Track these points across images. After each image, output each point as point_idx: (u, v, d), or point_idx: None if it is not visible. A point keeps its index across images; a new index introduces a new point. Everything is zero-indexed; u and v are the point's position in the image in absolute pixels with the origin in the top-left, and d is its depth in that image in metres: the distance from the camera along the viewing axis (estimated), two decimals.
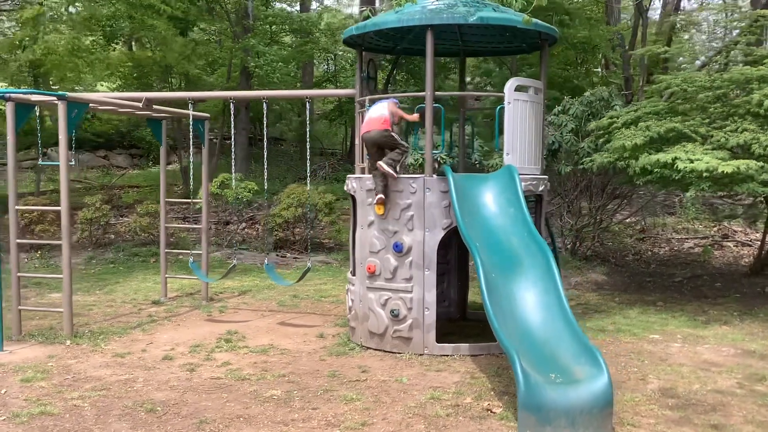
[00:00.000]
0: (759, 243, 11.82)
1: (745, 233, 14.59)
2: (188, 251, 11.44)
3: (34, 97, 7.96)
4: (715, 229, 14.84)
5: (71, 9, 17.54)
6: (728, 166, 8.17)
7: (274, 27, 25.61)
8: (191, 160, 9.90)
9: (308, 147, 8.88)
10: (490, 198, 7.14)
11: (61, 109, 7.65)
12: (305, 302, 10.53)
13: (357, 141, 8.29)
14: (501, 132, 7.60)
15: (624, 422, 5.45)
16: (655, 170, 9.02)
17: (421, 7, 7.57)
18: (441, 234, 7.35)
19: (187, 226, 12.37)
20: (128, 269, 13.30)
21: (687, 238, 14.83)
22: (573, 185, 12.71)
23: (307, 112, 8.69)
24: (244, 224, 16.71)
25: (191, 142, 9.37)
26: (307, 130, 8.70)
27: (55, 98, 7.73)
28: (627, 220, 15.14)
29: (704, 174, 8.43)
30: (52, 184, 22.20)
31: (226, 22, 24.06)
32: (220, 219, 16.18)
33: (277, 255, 14.37)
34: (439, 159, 8.53)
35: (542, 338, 5.89)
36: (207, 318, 9.37)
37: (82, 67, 15.70)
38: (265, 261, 9.29)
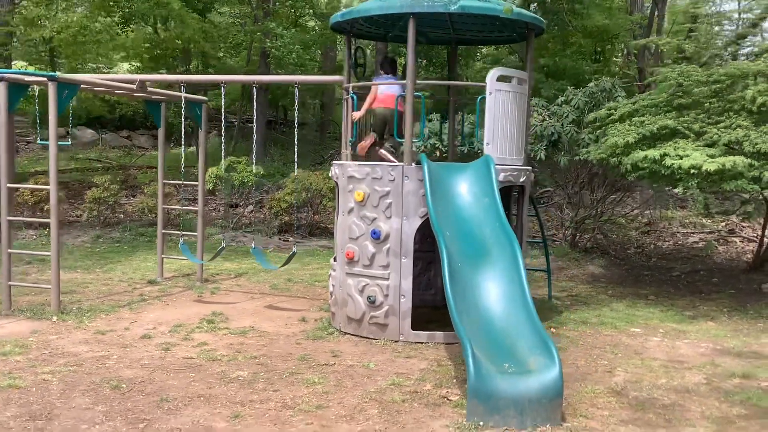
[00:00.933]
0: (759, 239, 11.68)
1: (753, 229, 14.40)
2: (190, 233, 11.63)
3: (27, 78, 8.13)
4: (723, 224, 14.66)
5: None
6: (713, 164, 8.09)
7: (294, 11, 25.71)
8: (182, 144, 10.01)
9: (296, 134, 8.95)
10: (464, 187, 7.17)
11: (51, 89, 7.82)
12: (298, 286, 10.66)
13: (345, 125, 8.35)
14: (483, 122, 7.61)
15: (577, 413, 5.48)
16: (645, 166, 8.96)
17: None
18: (418, 222, 7.40)
19: (186, 208, 12.53)
20: (132, 249, 13.54)
21: (693, 233, 14.69)
22: (573, 177, 12.64)
23: (296, 98, 8.73)
24: (251, 207, 16.88)
25: (183, 125, 9.47)
26: (296, 115, 8.78)
27: (45, 79, 7.89)
28: (633, 212, 15.03)
29: (691, 171, 8.36)
30: (75, 162, 22.65)
31: (248, 5, 24.24)
32: (229, 202, 16.36)
33: (280, 239, 14.52)
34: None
35: (503, 329, 5.94)
36: (197, 299, 9.54)
37: (92, 48, 15.88)
38: (252, 244, 9.42)
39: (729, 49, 10.15)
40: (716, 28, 14.97)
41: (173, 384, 5.96)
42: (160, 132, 10.68)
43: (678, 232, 14.67)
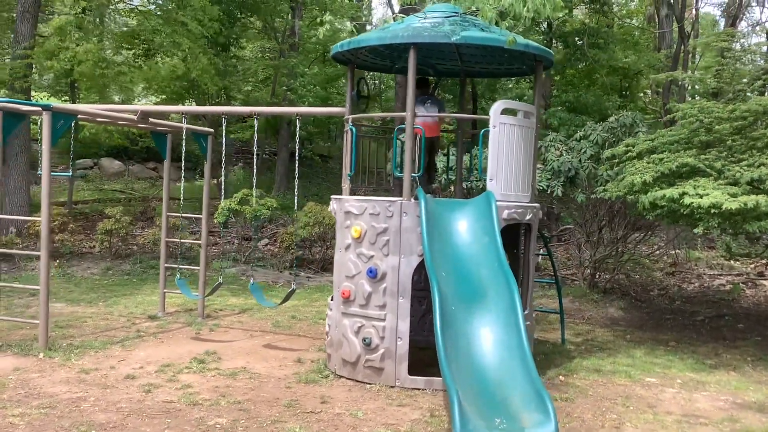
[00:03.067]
0: None
1: None
2: (193, 267, 11.37)
3: (23, 107, 7.98)
4: (752, 266, 14.02)
5: (111, 23, 18.00)
6: (734, 203, 7.62)
7: (318, 47, 25.82)
8: (182, 177, 9.80)
9: (297, 165, 8.67)
10: (464, 225, 6.80)
11: (45, 119, 7.65)
12: (302, 324, 10.30)
13: (345, 158, 8.05)
14: (486, 157, 7.26)
15: None
16: (663, 204, 8.51)
17: (406, 25, 7.32)
18: (417, 260, 7.03)
19: (188, 241, 12.29)
20: (141, 282, 13.32)
21: (720, 275, 14.06)
22: (592, 214, 12.17)
23: (297, 130, 8.47)
24: (266, 240, 16.63)
25: (183, 157, 9.25)
26: (297, 147, 8.51)
27: (40, 108, 7.73)
28: (657, 252, 14.47)
29: (712, 210, 7.89)
30: (100, 193, 22.73)
31: (274, 39, 24.36)
32: (241, 234, 16.12)
33: (291, 273, 14.19)
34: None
35: (496, 380, 5.51)
36: (194, 336, 9.23)
37: (113, 80, 15.92)
38: (251, 281, 9.09)
39: (756, 84, 9.69)
40: (745, 63, 14.52)
41: (145, 431, 5.61)
42: (166, 164, 10.50)
43: (704, 274, 14.06)
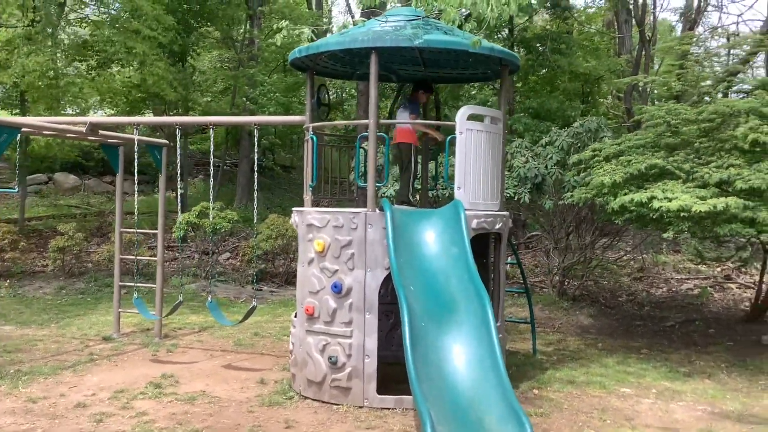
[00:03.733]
0: (765, 286, 11.00)
1: (750, 275, 13.72)
2: (151, 285, 10.91)
3: None
4: (718, 269, 13.99)
5: (62, 34, 17.41)
6: (704, 206, 7.46)
7: (278, 56, 25.45)
8: (135, 191, 9.38)
9: (256, 173, 8.31)
10: (431, 236, 6.51)
11: None
12: (265, 341, 9.91)
13: (306, 169, 7.72)
14: (452, 164, 6.99)
15: None
16: (632, 209, 8.34)
17: (367, 29, 7.03)
18: (384, 274, 6.72)
19: (144, 258, 11.81)
20: (96, 301, 12.80)
21: (687, 279, 14.00)
22: (560, 221, 12.00)
23: (256, 139, 8.12)
24: (228, 254, 16.17)
25: (136, 170, 8.83)
26: (255, 157, 8.16)
27: None
28: (625, 257, 14.36)
29: (681, 214, 7.74)
30: (55, 209, 22.00)
31: (232, 49, 23.94)
32: (201, 249, 15.62)
33: (253, 288, 13.76)
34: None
35: (470, 398, 5.23)
36: (151, 358, 8.79)
37: (64, 92, 15.36)
38: (209, 299, 8.69)
39: (720, 86, 9.62)
40: (705, 66, 14.52)
41: None
42: (118, 177, 10.04)
43: (672, 278, 13.98)
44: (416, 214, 6.84)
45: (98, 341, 9.63)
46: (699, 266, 14.42)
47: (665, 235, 8.17)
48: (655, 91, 17.24)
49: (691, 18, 22.49)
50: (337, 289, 6.83)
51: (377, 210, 6.78)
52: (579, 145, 11.14)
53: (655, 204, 7.94)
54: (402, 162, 7.99)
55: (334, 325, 6.88)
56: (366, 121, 6.94)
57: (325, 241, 6.94)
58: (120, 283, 10.16)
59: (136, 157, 8.75)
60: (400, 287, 5.78)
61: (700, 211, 7.48)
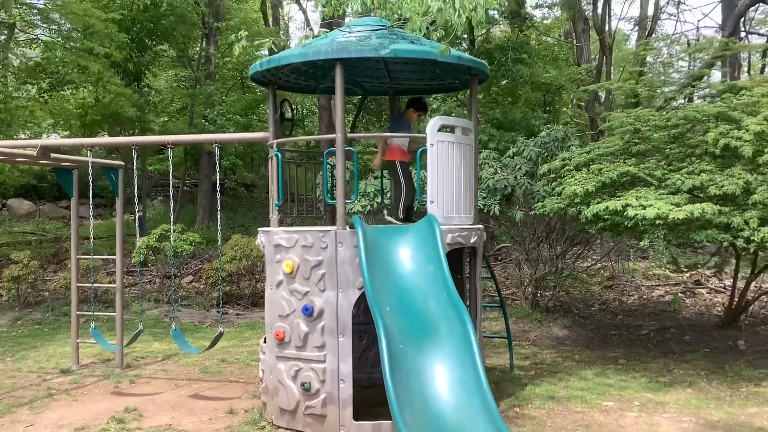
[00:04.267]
0: (730, 291, 10.96)
1: (719, 279, 13.73)
2: (110, 313, 10.45)
3: None
4: (687, 275, 13.96)
5: (11, 56, 16.90)
6: (680, 212, 7.33)
7: (236, 73, 25.11)
8: (90, 215, 8.97)
9: (218, 193, 7.98)
10: (406, 253, 6.24)
11: None
12: (232, 367, 9.51)
13: (271, 186, 7.40)
14: (423, 178, 6.75)
15: None
16: (606, 217, 8.19)
17: (330, 40, 6.77)
18: (356, 295, 6.43)
19: (102, 285, 11.34)
20: (53, 331, 12.24)
21: (657, 285, 13.95)
22: (531, 232, 11.84)
23: (217, 158, 7.80)
24: (191, 277, 15.71)
25: (91, 193, 8.41)
26: (217, 176, 7.83)
27: None
28: (595, 266, 14.27)
29: (657, 221, 7.60)
30: (8, 236, 21.27)
31: (188, 68, 23.53)
32: (162, 273, 15.13)
33: (218, 311, 13.36)
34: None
35: (456, 423, 4.95)
36: (113, 390, 8.34)
37: (14, 116, 14.83)
38: (173, 326, 8.29)
39: (686, 90, 9.59)
40: (667, 72, 14.62)
41: None
42: (73, 202, 9.61)
43: (642, 285, 13.91)
44: (389, 230, 6.57)
45: (56, 374, 9.14)
46: (668, 272, 14.38)
47: (642, 244, 8.03)
48: (617, 99, 17.27)
49: (646, 26, 22.76)
50: (308, 312, 6.52)
51: (347, 228, 6.50)
52: (546, 154, 11.01)
53: (630, 212, 7.79)
54: (392, 179, 7.82)
55: (306, 350, 6.57)
56: (333, 135, 6.67)
57: (294, 261, 6.63)
58: (78, 312, 9.69)
59: (90, 180, 8.34)
60: (376, 309, 5.49)
61: (677, 218, 7.33)
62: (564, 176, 9.26)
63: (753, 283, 10.71)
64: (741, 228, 7.68)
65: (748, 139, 7.98)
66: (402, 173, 7.63)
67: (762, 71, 22.55)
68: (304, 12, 22.79)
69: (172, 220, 8.71)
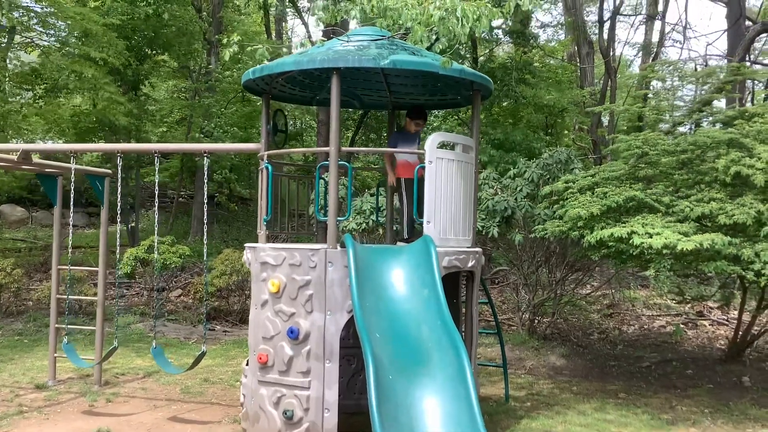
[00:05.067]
0: (735, 324, 10.59)
1: (722, 311, 13.35)
2: (90, 327, 10.05)
3: None
4: (689, 306, 13.58)
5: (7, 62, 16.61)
6: (689, 243, 6.98)
7: (236, 86, 24.87)
8: (70, 223, 8.61)
9: (205, 206, 7.62)
10: (400, 276, 5.88)
11: None
12: (215, 388, 9.10)
13: (260, 200, 7.05)
14: (420, 196, 6.40)
15: None
16: (611, 244, 7.84)
17: (327, 48, 6.45)
18: (345, 318, 6.06)
19: (81, 297, 10.95)
20: (33, 343, 11.82)
21: (659, 316, 13.56)
22: (530, 256, 11.47)
23: (206, 169, 7.46)
24: (179, 291, 15.31)
25: (72, 201, 8.04)
26: (205, 188, 7.49)
27: None
28: (594, 294, 13.88)
29: (663, 251, 7.24)
30: None
31: (188, 79, 23.27)
32: (150, 285, 14.74)
33: (205, 326, 12.93)
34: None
35: None
36: (87, 409, 7.93)
37: (9, 122, 14.51)
38: (153, 344, 7.90)
39: (695, 116, 9.30)
40: (674, 96, 14.36)
41: None
42: (56, 210, 9.26)
43: (643, 315, 13.53)
44: (383, 251, 6.21)
45: (31, 389, 8.73)
46: (669, 302, 14.01)
47: (648, 273, 7.66)
48: (621, 123, 16.99)
49: (651, 52, 22.58)
50: (293, 335, 6.14)
51: (338, 246, 6.14)
52: (548, 176, 10.68)
53: (636, 240, 7.44)
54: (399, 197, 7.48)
55: (290, 375, 6.19)
56: (327, 148, 6.32)
57: (281, 280, 6.27)
58: (56, 325, 9.29)
59: (72, 187, 7.97)
60: (365, 335, 5.11)
61: (686, 249, 6.98)
62: (567, 198, 8.91)
63: (758, 318, 10.32)
64: (751, 260, 7.34)
65: (761, 167, 7.66)
66: (406, 190, 7.27)
67: (765, 99, 22.37)
68: (306, 26, 22.48)
69: (156, 230, 8.34)
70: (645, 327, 13.02)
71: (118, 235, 8.40)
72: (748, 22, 16.31)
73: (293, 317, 6.19)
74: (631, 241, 7.55)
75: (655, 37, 23.77)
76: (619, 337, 12.42)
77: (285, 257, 6.26)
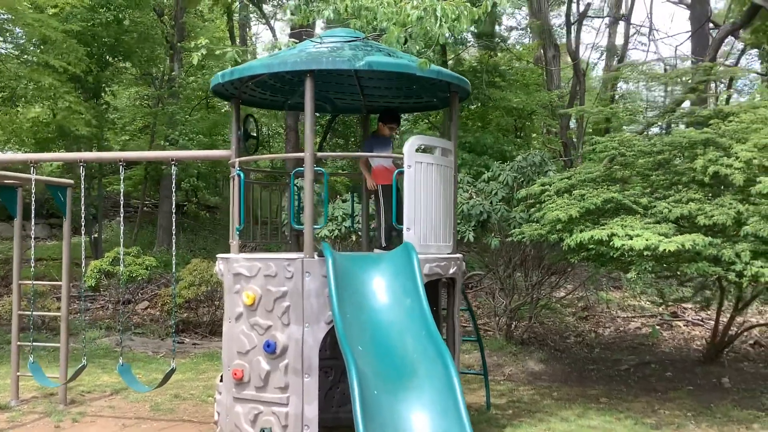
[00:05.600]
0: (712, 324, 10.55)
1: (695, 311, 13.35)
2: (54, 344, 9.66)
3: None
4: (662, 306, 13.56)
5: None
6: (671, 244, 6.87)
7: (199, 93, 24.49)
8: (32, 235, 8.24)
9: (173, 216, 7.33)
10: (381, 285, 5.66)
11: None
12: (186, 405, 8.76)
13: (232, 209, 6.78)
14: (399, 202, 6.19)
15: None
16: (591, 247, 7.71)
17: (299, 50, 6.21)
18: (324, 330, 5.82)
19: (45, 313, 10.54)
20: None
21: (633, 317, 13.52)
22: (505, 260, 11.33)
23: (173, 177, 7.16)
24: (146, 303, 14.90)
25: (33, 212, 7.69)
26: (173, 196, 7.20)
27: None
28: (569, 296, 13.80)
29: (645, 253, 7.13)
30: None
31: (151, 86, 22.83)
32: (116, 298, 14.31)
33: (174, 341, 12.57)
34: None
35: None
36: (53, 430, 7.56)
37: None
38: (120, 361, 7.56)
39: (669, 116, 9.24)
40: (646, 96, 14.40)
41: None
42: (16, 222, 8.86)
43: (618, 317, 13.48)
44: (362, 259, 5.98)
45: None
46: (644, 303, 13.99)
47: (629, 276, 7.55)
48: (588, 126, 16.99)
49: (616, 54, 22.69)
50: (270, 349, 5.88)
51: (316, 256, 5.90)
52: (523, 179, 10.56)
53: (617, 242, 7.32)
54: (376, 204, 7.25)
55: (267, 391, 5.92)
56: (302, 153, 6.09)
57: (256, 292, 6.01)
58: (19, 343, 8.89)
59: (33, 198, 7.62)
60: (348, 349, 4.88)
61: (668, 250, 6.87)
62: (544, 201, 8.78)
63: (735, 318, 10.29)
64: (732, 261, 7.26)
65: (739, 167, 7.60)
66: (384, 197, 7.06)
67: (727, 102, 22.69)
68: (272, 30, 22.14)
69: (121, 242, 8.01)
70: (621, 329, 12.97)
71: (83, 247, 8.01)
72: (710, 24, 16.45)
73: (270, 330, 5.93)
74: (611, 243, 7.43)
75: (619, 41, 23.92)
76: (595, 340, 12.34)
77: (260, 268, 6.00)
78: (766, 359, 10.68)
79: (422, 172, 6.17)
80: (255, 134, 7.25)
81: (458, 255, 6.77)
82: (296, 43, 6.77)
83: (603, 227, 7.71)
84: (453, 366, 4.87)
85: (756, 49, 18.00)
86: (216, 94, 6.98)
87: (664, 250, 6.96)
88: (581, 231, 7.88)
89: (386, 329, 5.32)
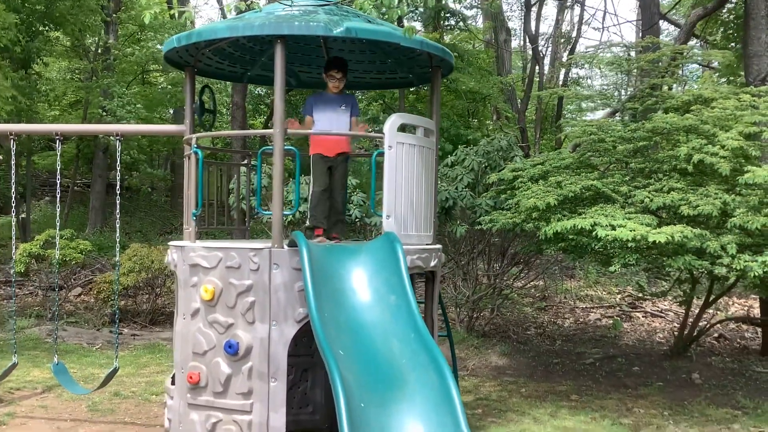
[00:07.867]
0: (672, 316, 10.28)
1: (653, 302, 13.15)
2: None
3: None
4: (619, 297, 13.32)
5: None
6: (660, 235, 6.45)
7: (139, 66, 23.32)
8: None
9: (118, 194, 6.56)
10: (362, 279, 5.03)
11: None
12: (128, 404, 7.98)
13: (188, 191, 6.05)
14: (378, 186, 5.58)
15: None
16: (571, 237, 7.25)
17: (267, 13, 5.50)
18: (294, 329, 5.19)
19: None
20: None
21: (592, 308, 13.24)
22: (468, 248, 10.84)
23: (118, 154, 6.38)
24: (80, 290, 13.91)
25: None
26: (118, 174, 6.42)
27: None
28: (527, 286, 13.44)
29: (630, 244, 6.71)
30: None
31: (84, 58, 21.58)
32: (46, 284, 13.29)
33: (111, 331, 11.69)
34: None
35: None
36: None
37: None
38: (54, 359, 6.76)
39: (647, 102, 8.86)
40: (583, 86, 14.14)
41: None
42: None
43: (577, 308, 13.18)
44: (338, 249, 5.34)
45: None
46: (601, 293, 13.74)
47: (611, 269, 7.13)
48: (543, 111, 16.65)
49: (564, 38, 22.48)
50: (232, 350, 5.21)
51: (285, 246, 5.24)
52: (488, 165, 10.07)
53: (600, 232, 6.87)
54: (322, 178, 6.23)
55: (227, 397, 5.25)
56: (270, 130, 5.39)
57: (216, 286, 5.32)
58: None
59: None
60: (329, 353, 4.24)
61: (658, 242, 6.45)
62: (519, 188, 8.29)
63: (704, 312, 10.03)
64: (718, 254, 6.90)
65: (725, 156, 7.24)
66: (332, 172, 6.17)
67: (684, 85, 22.86)
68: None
69: (57, 223, 7.19)
70: (581, 320, 12.67)
71: (13, 229, 7.16)
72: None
73: (231, 329, 5.26)
74: (594, 234, 6.98)
75: (565, 28, 23.72)
76: (557, 331, 12.00)
77: (221, 258, 5.31)
78: (732, 353, 10.50)
79: (404, 154, 5.56)
80: (211, 108, 6.51)
81: (438, 246, 6.20)
82: (258, 3, 6.05)
83: (584, 216, 7.26)
84: (450, 375, 4.30)
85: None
86: (168, 61, 6.20)
87: (655, 241, 6.54)
88: (558, 220, 7.43)
89: (369, 331, 4.70)
